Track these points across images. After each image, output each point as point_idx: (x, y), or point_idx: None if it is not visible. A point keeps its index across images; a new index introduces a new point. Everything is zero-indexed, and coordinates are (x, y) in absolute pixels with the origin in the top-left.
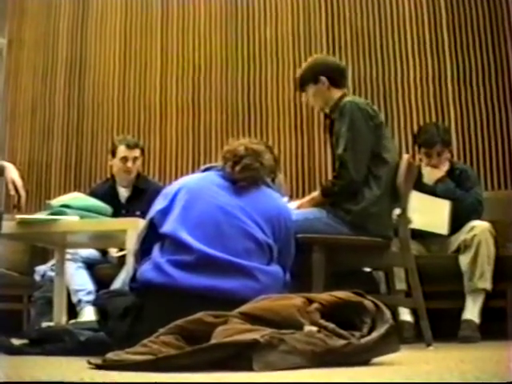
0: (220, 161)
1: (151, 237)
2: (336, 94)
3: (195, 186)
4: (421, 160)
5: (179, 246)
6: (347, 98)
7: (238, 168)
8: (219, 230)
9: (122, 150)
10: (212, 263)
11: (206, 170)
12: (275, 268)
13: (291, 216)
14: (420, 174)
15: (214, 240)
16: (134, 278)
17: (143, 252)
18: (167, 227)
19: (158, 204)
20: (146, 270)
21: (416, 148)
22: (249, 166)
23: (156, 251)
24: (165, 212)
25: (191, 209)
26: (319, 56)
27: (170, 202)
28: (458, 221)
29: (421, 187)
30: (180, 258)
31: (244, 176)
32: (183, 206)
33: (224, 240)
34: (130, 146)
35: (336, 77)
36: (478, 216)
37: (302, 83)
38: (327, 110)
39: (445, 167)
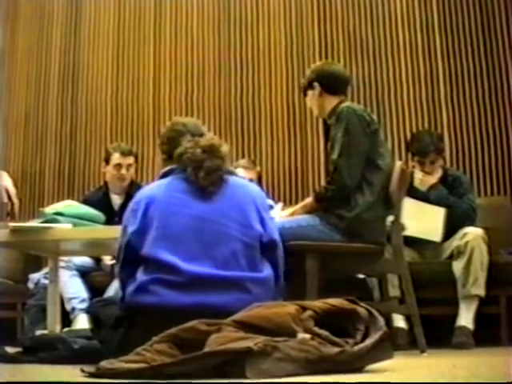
0: (175, 161)
1: (131, 260)
2: (331, 100)
3: (164, 199)
4: (414, 167)
5: (165, 267)
6: (344, 104)
7: (201, 174)
8: (202, 240)
9: (116, 157)
10: (202, 282)
11: (165, 174)
12: (267, 273)
13: (264, 196)
14: (412, 180)
15: (200, 253)
16: (123, 299)
17: (126, 275)
18: (147, 250)
19: (130, 224)
20: (131, 293)
21: (409, 154)
22: (212, 168)
23: (140, 274)
24: (140, 233)
25: (168, 226)
26: (322, 63)
27: (143, 220)
28: (451, 227)
29: (414, 194)
30: (168, 278)
31: (210, 181)
32: (159, 224)
33: (209, 250)
34: (124, 154)
35: (330, 84)
36: (472, 222)
37: (302, 89)
38: (325, 116)
39: (438, 174)
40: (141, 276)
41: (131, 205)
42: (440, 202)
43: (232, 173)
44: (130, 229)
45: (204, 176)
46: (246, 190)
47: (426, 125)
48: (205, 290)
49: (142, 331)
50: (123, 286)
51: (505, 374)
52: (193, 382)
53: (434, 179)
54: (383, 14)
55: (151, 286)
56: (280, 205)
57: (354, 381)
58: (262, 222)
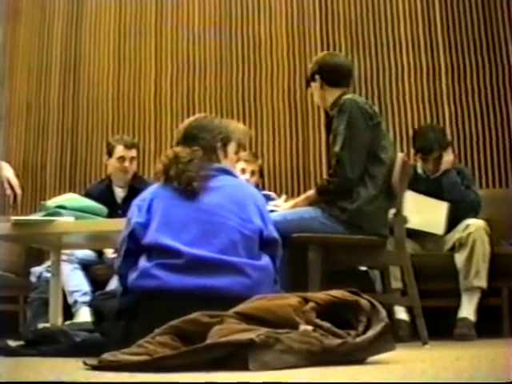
0: None
1: (134, 250)
2: (333, 93)
3: (167, 194)
4: (415, 160)
5: (167, 252)
6: (347, 96)
7: (175, 183)
8: (202, 229)
9: (119, 150)
10: (202, 264)
11: None
12: (265, 262)
13: (261, 195)
14: (416, 173)
15: (200, 240)
16: (125, 291)
17: (127, 267)
18: (149, 238)
19: (135, 217)
20: (134, 279)
21: (411, 148)
22: (178, 173)
23: (142, 261)
24: (144, 225)
25: (170, 216)
26: (324, 54)
27: (147, 214)
28: (456, 218)
29: (424, 180)
30: (169, 262)
31: (184, 185)
32: (161, 214)
33: (209, 238)
34: (127, 146)
35: (332, 76)
36: (476, 214)
37: (306, 80)
38: (327, 108)
39: (450, 156)
40: (143, 263)
41: (136, 201)
42: (453, 187)
43: (230, 172)
44: (134, 219)
45: (178, 183)
46: (245, 189)
47: (428, 117)
48: (205, 273)
49: (145, 320)
50: (123, 281)
51: (507, 368)
52: (195, 374)
53: (446, 165)
54: (385, 7)
55: (153, 270)
56: (284, 197)
57: (355, 373)
58: (263, 218)
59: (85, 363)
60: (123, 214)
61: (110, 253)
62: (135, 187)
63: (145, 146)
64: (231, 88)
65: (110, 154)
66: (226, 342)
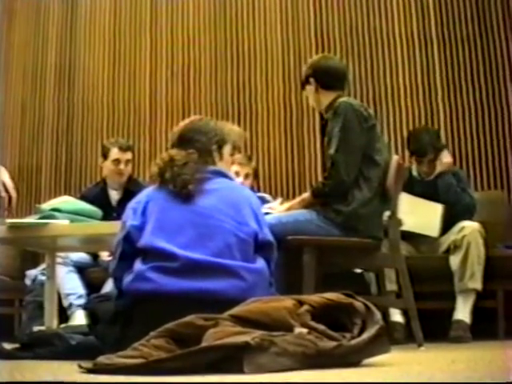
0: None
1: (129, 253)
2: (327, 96)
3: (162, 197)
4: (410, 162)
5: (162, 255)
6: (342, 99)
7: (170, 186)
8: (198, 232)
9: (114, 153)
10: (197, 267)
11: None
12: (260, 265)
13: (257, 199)
14: (411, 175)
15: (195, 243)
16: (120, 294)
17: (122, 269)
18: (144, 240)
19: (130, 219)
20: (129, 282)
21: (406, 150)
22: (174, 176)
23: (137, 264)
24: (139, 228)
25: (165, 219)
26: (319, 57)
27: (142, 217)
28: (451, 220)
29: (419, 183)
30: (165, 265)
31: (180, 188)
32: (156, 217)
33: (205, 241)
34: (122, 149)
35: (326, 80)
36: (471, 217)
37: (301, 83)
38: (322, 110)
39: (448, 159)
40: (138, 266)
41: (132, 204)
42: (448, 189)
43: (225, 175)
44: (129, 222)
45: (173, 186)
46: (241, 192)
47: (423, 119)
48: (201, 276)
49: (140, 323)
50: (118, 284)
51: (503, 370)
52: (190, 377)
53: (443, 166)
54: (379, 9)
55: (148, 273)
56: (279, 200)
57: (350, 375)
58: (258, 221)
59: (80, 366)
60: (118, 217)
61: (105, 255)
62: (130, 190)
63: (140, 148)
64: (226, 90)
65: (105, 156)
66: (221, 344)
